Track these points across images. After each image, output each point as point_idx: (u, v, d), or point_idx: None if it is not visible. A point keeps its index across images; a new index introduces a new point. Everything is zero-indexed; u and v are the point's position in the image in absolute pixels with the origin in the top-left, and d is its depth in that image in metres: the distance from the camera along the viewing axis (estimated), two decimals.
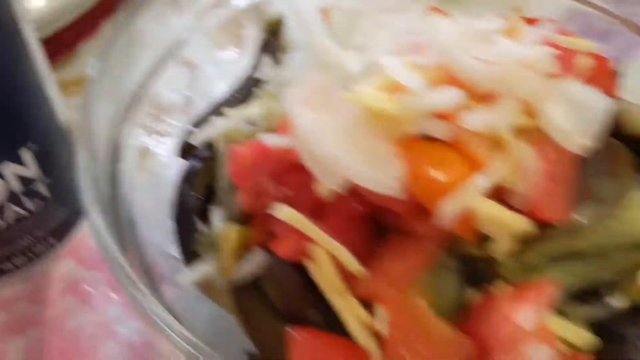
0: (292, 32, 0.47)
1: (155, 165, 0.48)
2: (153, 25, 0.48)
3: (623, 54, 0.49)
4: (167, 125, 0.51)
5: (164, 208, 0.45)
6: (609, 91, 0.42)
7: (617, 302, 0.38)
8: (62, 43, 0.63)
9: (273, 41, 0.48)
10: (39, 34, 0.57)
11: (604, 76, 0.43)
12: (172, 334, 0.30)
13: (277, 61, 0.47)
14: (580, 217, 0.37)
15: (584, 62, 0.40)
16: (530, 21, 0.39)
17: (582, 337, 0.36)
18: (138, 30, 0.46)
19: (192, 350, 0.30)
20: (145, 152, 0.48)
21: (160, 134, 0.50)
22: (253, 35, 0.54)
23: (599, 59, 0.43)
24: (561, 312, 0.37)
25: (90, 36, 0.65)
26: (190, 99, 0.53)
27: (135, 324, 0.45)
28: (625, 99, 0.45)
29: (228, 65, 0.55)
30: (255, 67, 0.47)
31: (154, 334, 0.32)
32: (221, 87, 0.52)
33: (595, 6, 0.50)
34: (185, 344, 0.30)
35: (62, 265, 0.48)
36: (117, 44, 0.42)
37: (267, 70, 0.47)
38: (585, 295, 0.39)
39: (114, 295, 0.46)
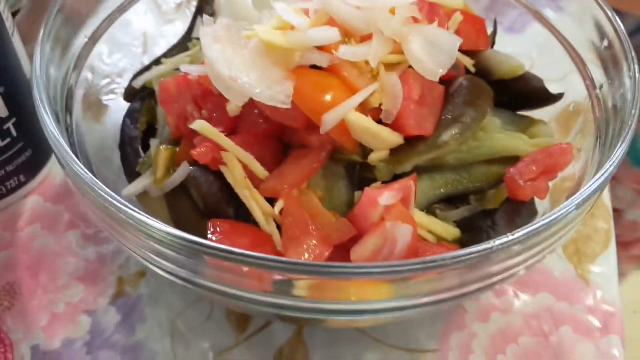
0: None
1: (111, 117, 0.56)
2: None
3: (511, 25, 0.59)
4: (122, 87, 0.59)
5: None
6: (478, 40, 0.52)
7: (478, 204, 0.48)
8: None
9: (206, 7, 0.57)
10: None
11: (474, 28, 0.52)
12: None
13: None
14: (446, 135, 0.46)
15: (454, 17, 0.50)
16: None
17: (449, 231, 0.45)
18: None
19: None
20: (98, 106, 0.56)
21: (115, 93, 0.58)
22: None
23: (471, 16, 0.53)
24: (433, 214, 0.47)
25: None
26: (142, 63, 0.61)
27: (91, 247, 0.53)
28: (493, 49, 0.54)
29: (175, 38, 0.63)
30: (192, 27, 0.56)
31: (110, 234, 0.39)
32: None
33: None
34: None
35: (30, 200, 0.56)
36: (62, 10, 0.48)
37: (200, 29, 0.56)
38: (455, 200, 0.48)
39: (75, 224, 0.55)
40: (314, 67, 0.42)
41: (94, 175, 0.46)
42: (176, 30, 0.63)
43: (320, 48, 0.42)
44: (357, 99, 0.41)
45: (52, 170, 0.58)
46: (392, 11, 0.43)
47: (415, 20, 0.44)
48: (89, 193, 0.36)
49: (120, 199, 0.35)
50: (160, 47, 0.62)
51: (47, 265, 0.52)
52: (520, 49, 0.56)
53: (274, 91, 0.40)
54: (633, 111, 0.41)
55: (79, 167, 0.37)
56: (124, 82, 0.58)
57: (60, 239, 0.54)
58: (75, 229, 0.54)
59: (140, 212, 0.35)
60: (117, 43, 0.58)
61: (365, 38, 0.44)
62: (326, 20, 0.43)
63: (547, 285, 0.51)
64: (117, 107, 0.56)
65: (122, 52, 0.59)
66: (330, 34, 0.41)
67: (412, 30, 0.43)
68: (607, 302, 0.51)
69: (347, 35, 0.43)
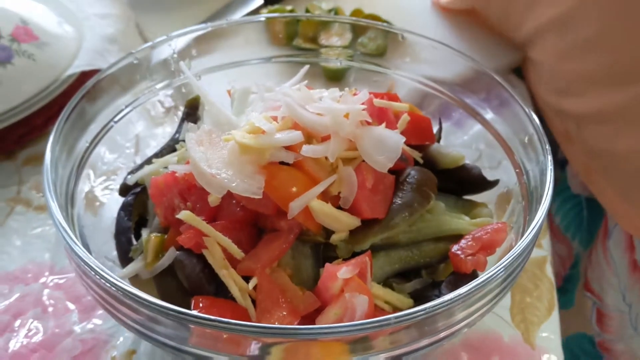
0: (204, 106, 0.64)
1: (109, 211, 0.63)
2: (100, 103, 0.63)
3: (459, 123, 0.69)
4: (117, 184, 0.66)
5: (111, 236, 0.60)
6: (424, 136, 0.61)
7: (430, 277, 0.54)
8: (34, 126, 0.79)
9: (192, 113, 0.65)
10: (13, 119, 0.74)
11: (421, 126, 0.61)
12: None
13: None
14: (397, 218, 0.53)
15: (403, 118, 0.59)
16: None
17: (403, 301, 0.52)
18: (88, 106, 0.61)
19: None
20: (95, 201, 0.63)
21: (110, 190, 0.66)
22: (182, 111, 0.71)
23: (418, 115, 0.61)
24: (390, 287, 0.53)
25: (57, 120, 0.82)
26: (135, 163, 0.69)
27: (87, 326, 0.59)
28: (439, 144, 0.63)
29: (164, 140, 0.71)
30: (179, 131, 0.65)
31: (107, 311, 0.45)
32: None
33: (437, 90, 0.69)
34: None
35: (31, 288, 0.62)
36: (71, 115, 0.57)
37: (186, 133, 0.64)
38: (409, 274, 0.55)
39: (71, 306, 0.60)
40: (282, 163, 0.50)
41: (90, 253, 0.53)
42: (165, 132, 0.72)
43: (287, 148, 0.50)
44: (319, 188, 0.49)
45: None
46: (347, 116, 0.52)
47: (367, 123, 0.53)
48: (92, 275, 0.43)
49: (119, 279, 0.42)
50: (151, 148, 0.70)
51: (47, 345, 0.57)
52: (467, 142, 0.66)
53: (248, 184, 0.48)
54: (544, 196, 0.49)
55: (83, 252, 0.44)
56: (118, 180, 0.65)
57: (59, 321, 0.59)
58: (71, 313, 0.60)
59: (135, 288, 0.41)
60: (113, 145, 0.66)
61: (326, 138, 0.52)
62: (292, 125, 0.51)
63: (498, 350, 0.57)
64: (113, 201, 0.63)
65: (118, 152, 0.67)
66: (295, 136, 0.50)
67: (363, 131, 0.52)
68: None
69: (310, 136, 0.52)
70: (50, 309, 0.60)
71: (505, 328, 0.59)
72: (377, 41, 0.74)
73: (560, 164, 0.83)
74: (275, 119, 0.52)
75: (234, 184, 0.47)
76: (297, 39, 0.78)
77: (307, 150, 0.49)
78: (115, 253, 0.58)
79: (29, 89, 0.75)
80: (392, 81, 0.73)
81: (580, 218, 0.80)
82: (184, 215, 0.49)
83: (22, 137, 0.78)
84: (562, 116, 0.74)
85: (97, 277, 0.43)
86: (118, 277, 0.52)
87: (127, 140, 0.69)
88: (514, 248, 0.45)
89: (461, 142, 0.67)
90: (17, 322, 0.59)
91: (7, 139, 0.77)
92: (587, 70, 0.69)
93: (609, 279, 0.74)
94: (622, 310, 0.72)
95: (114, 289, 0.42)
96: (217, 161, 0.49)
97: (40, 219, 0.70)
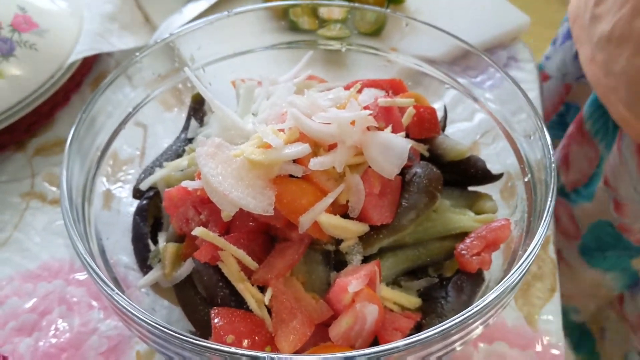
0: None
1: (120, 205, 0.65)
2: (112, 96, 0.64)
3: (458, 103, 0.69)
4: (127, 174, 0.68)
5: (126, 235, 0.62)
6: (430, 128, 0.61)
7: (437, 274, 0.57)
8: (41, 114, 0.79)
9: (198, 108, 0.66)
10: (23, 111, 0.75)
11: (426, 118, 0.61)
12: (140, 320, 0.45)
13: (201, 123, 0.66)
14: (404, 220, 0.55)
15: (408, 112, 0.59)
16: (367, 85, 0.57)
17: (411, 301, 0.54)
18: (101, 104, 0.62)
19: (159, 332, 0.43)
20: (110, 196, 0.64)
21: (122, 181, 0.67)
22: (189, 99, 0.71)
23: (423, 107, 0.62)
24: (399, 285, 0.56)
25: (64, 106, 0.82)
26: (144, 152, 0.70)
27: (111, 322, 0.62)
28: (445, 134, 0.64)
29: (173, 122, 0.72)
30: (186, 128, 0.65)
31: (125, 326, 0.48)
32: (167, 141, 0.69)
33: (434, 71, 0.69)
34: (151, 328, 0.44)
35: (54, 285, 0.65)
36: (85, 115, 0.58)
37: (194, 130, 0.65)
38: (416, 272, 0.57)
39: (94, 303, 0.63)
40: (291, 175, 0.51)
41: (109, 263, 0.55)
42: (173, 116, 0.72)
43: (295, 160, 0.51)
44: (327, 201, 0.50)
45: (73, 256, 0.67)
46: (353, 123, 0.52)
47: (374, 128, 0.53)
48: (110, 299, 0.45)
49: (135, 306, 0.44)
50: (159, 137, 0.71)
51: (75, 343, 0.60)
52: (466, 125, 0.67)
53: (258, 201, 0.49)
54: (550, 194, 0.50)
55: (103, 282, 0.46)
56: (130, 170, 0.67)
57: (84, 318, 0.62)
58: (94, 310, 0.63)
59: (149, 316, 0.43)
60: (124, 137, 0.66)
61: (332, 146, 0.53)
62: (299, 135, 0.52)
63: (502, 334, 0.60)
64: (124, 195, 0.65)
65: (127, 143, 0.68)
66: (302, 149, 0.50)
67: (369, 137, 0.52)
68: (553, 347, 0.59)
69: (317, 145, 0.52)
70: (75, 307, 0.63)
71: (509, 311, 0.62)
72: (375, 13, 0.74)
73: None
74: (281, 130, 0.52)
75: (245, 202, 0.48)
76: (294, 10, 0.77)
77: (316, 163, 0.50)
78: (131, 253, 0.60)
79: (35, 80, 0.76)
80: (389, 61, 0.73)
81: (606, 125, 0.91)
82: (199, 232, 0.50)
83: (30, 126, 0.79)
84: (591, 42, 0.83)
85: (116, 304, 0.45)
86: (138, 285, 0.55)
87: (136, 129, 0.70)
88: (524, 258, 0.47)
89: (462, 123, 0.68)
90: (44, 321, 0.62)
91: (16, 130, 0.78)
92: None
93: (622, 175, 0.87)
94: (634, 199, 0.87)
95: (132, 316, 0.44)
96: (227, 177, 0.50)
97: (57, 212, 0.72)
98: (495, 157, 0.62)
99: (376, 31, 0.74)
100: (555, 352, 0.59)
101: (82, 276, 0.66)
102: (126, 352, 0.60)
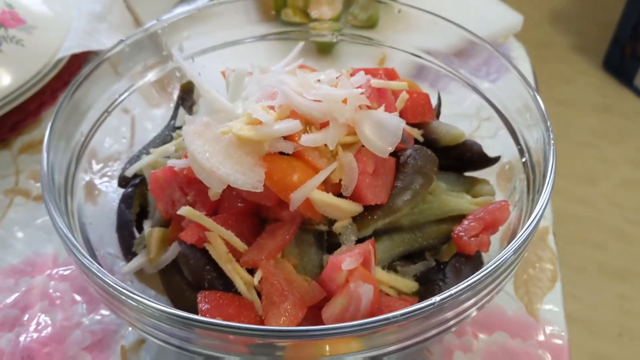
0: (198, 89, 0.62)
1: (106, 199, 0.63)
2: (96, 90, 0.62)
3: (453, 93, 0.68)
4: (113, 170, 0.66)
5: (112, 229, 0.59)
6: (424, 113, 0.60)
7: (434, 258, 0.54)
8: (28, 112, 0.78)
9: (186, 98, 0.65)
10: (7, 107, 0.73)
11: (420, 103, 0.60)
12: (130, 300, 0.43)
13: (190, 112, 0.64)
14: (399, 201, 0.53)
15: (401, 97, 0.58)
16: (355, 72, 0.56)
17: (408, 285, 0.52)
18: (83, 94, 0.60)
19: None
20: (95, 190, 0.62)
21: (109, 177, 0.65)
22: (177, 94, 0.70)
23: (417, 93, 0.60)
24: (395, 270, 0.53)
25: (50, 105, 0.80)
26: (132, 147, 0.68)
27: (95, 317, 0.59)
28: (439, 120, 0.62)
29: (161, 119, 0.71)
30: (174, 117, 0.64)
31: (113, 311, 0.45)
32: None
33: (432, 62, 0.68)
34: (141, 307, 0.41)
35: (37, 280, 0.63)
36: (65, 110, 0.56)
37: (182, 119, 0.63)
38: (413, 256, 0.55)
39: (78, 298, 0.61)
40: (281, 153, 0.50)
41: (95, 254, 0.53)
42: (161, 113, 0.71)
43: (285, 137, 0.49)
44: (320, 178, 0.49)
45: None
46: (345, 101, 0.51)
47: (366, 107, 0.52)
48: (96, 281, 0.43)
49: (123, 285, 0.42)
50: (147, 131, 0.69)
51: (57, 338, 0.58)
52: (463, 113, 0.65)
53: (248, 177, 0.47)
54: (549, 170, 0.49)
55: (87, 260, 0.43)
56: (115, 166, 0.65)
57: (67, 313, 0.60)
58: (78, 304, 0.60)
59: (139, 294, 0.41)
60: (109, 130, 0.64)
61: (324, 124, 0.51)
62: (289, 112, 0.50)
63: (502, 324, 0.58)
64: (111, 189, 0.63)
65: (114, 138, 0.66)
66: (293, 126, 0.49)
67: (362, 115, 0.51)
68: (556, 337, 0.57)
69: (308, 123, 0.51)
70: (57, 302, 0.60)
71: (509, 302, 0.60)
72: (368, 11, 0.73)
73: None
74: (272, 107, 0.51)
75: (233, 178, 0.46)
76: (285, 10, 0.76)
77: (307, 139, 0.48)
78: (117, 245, 0.58)
79: (21, 76, 0.74)
80: (383, 54, 0.71)
81: None
82: (184, 211, 0.48)
83: (16, 124, 0.78)
84: None
85: (103, 284, 0.42)
86: (122, 272, 0.53)
87: (123, 124, 0.68)
88: (522, 231, 0.45)
89: (457, 112, 0.66)
90: (26, 316, 0.59)
91: (2, 127, 0.76)
92: None
93: None
94: None
95: (120, 296, 0.41)
96: (216, 154, 0.48)
97: (41, 208, 0.70)
98: (491, 141, 0.61)
99: (369, 28, 0.73)
100: (558, 342, 0.57)
101: (66, 271, 0.63)
102: (111, 346, 0.57)
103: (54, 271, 0.63)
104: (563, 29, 2.65)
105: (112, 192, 0.63)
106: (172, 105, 0.69)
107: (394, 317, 0.39)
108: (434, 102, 0.63)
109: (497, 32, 0.90)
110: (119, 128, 0.67)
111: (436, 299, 0.40)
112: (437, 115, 0.64)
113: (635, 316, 1.66)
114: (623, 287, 1.73)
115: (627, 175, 2.05)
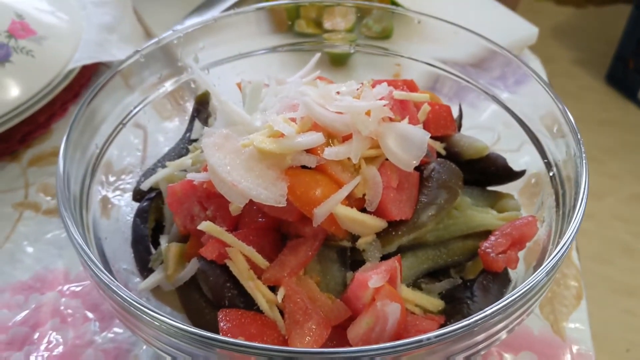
0: (214, 102, 0.61)
1: (119, 213, 0.61)
2: (110, 102, 0.61)
3: (472, 104, 0.66)
4: (126, 183, 0.64)
5: (127, 243, 0.58)
6: (446, 126, 0.59)
7: (459, 276, 0.53)
8: (38, 124, 0.76)
9: (202, 110, 0.63)
10: (17, 118, 0.72)
11: (442, 115, 0.59)
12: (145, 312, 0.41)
13: (205, 125, 0.63)
14: (424, 217, 0.51)
15: (423, 108, 0.57)
16: (377, 83, 0.54)
17: (434, 304, 0.50)
18: (97, 106, 0.59)
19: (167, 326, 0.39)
20: (109, 204, 0.61)
21: (121, 190, 0.63)
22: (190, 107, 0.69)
23: (438, 105, 0.59)
24: (419, 287, 0.52)
25: (61, 117, 0.79)
26: (145, 161, 0.66)
27: (108, 335, 0.57)
28: (461, 132, 0.61)
29: (174, 132, 0.69)
30: (190, 129, 0.62)
31: (128, 328, 0.43)
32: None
33: (450, 72, 0.67)
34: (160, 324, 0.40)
35: (47, 297, 0.61)
36: (80, 121, 0.54)
37: (198, 131, 0.62)
38: (438, 273, 0.53)
39: (90, 315, 0.59)
40: (304, 166, 0.48)
41: (111, 269, 0.52)
42: (174, 126, 0.69)
43: (308, 150, 0.48)
44: (343, 193, 0.47)
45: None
46: (368, 113, 0.49)
47: (389, 119, 0.50)
48: (113, 296, 0.41)
49: (142, 302, 0.40)
50: (159, 145, 0.68)
51: (68, 357, 0.56)
52: (484, 124, 0.64)
53: (270, 192, 0.46)
54: (582, 187, 0.47)
55: (105, 275, 0.42)
56: (129, 179, 0.63)
57: (79, 331, 0.58)
58: (90, 322, 0.58)
59: (158, 311, 0.39)
60: (122, 143, 0.63)
61: (347, 137, 0.50)
62: (311, 125, 0.49)
63: (529, 344, 0.56)
64: (125, 202, 0.61)
65: (127, 150, 0.64)
66: (316, 138, 0.47)
67: (386, 128, 0.50)
68: (583, 356, 0.55)
69: (331, 136, 0.49)
70: (69, 319, 0.59)
71: (535, 321, 0.58)
72: (382, 22, 0.72)
73: None
74: (293, 119, 0.49)
75: (256, 193, 0.45)
76: (299, 22, 0.75)
77: (330, 153, 0.47)
78: (132, 260, 0.56)
79: (31, 87, 0.73)
80: (399, 65, 0.70)
81: None
82: (205, 226, 0.47)
83: (26, 136, 0.76)
84: None
85: (121, 300, 0.41)
86: (139, 289, 0.51)
87: (136, 137, 0.67)
88: (556, 252, 0.43)
89: (476, 124, 0.65)
90: (36, 334, 0.58)
91: (11, 139, 0.75)
92: None
93: None
94: None
95: (139, 313, 0.40)
96: (237, 167, 0.46)
97: (51, 222, 0.68)
98: (512, 154, 0.59)
99: (384, 38, 0.72)
100: None
101: (77, 287, 0.61)
102: None
103: (65, 287, 0.62)
104: (566, 43, 2.65)
105: (124, 206, 0.62)
106: (185, 117, 0.68)
107: (426, 339, 0.38)
108: (454, 113, 0.61)
109: (511, 44, 0.89)
110: (132, 140, 0.66)
111: (468, 321, 0.38)
112: (459, 128, 0.63)
113: None
114: (630, 303, 1.72)
115: (632, 190, 2.04)
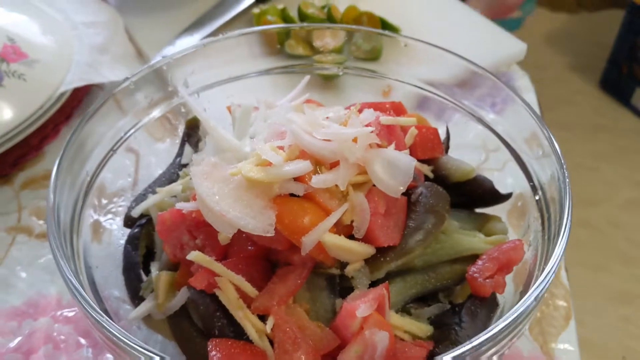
0: (204, 127, 0.62)
1: (111, 237, 0.62)
2: (102, 128, 0.62)
3: (459, 124, 0.67)
4: (117, 207, 0.64)
5: (117, 269, 0.58)
6: (433, 148, 0.59)
7: (447, 300, 0.53)
8: (30, 146, 0.77)
9: (192, 134, 0.64)
10: (10, 143, 0.72)
11: (429, 138, 0.59)
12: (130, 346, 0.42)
13: (196, 149, 0.63)
14: (412, 242, 0.52)
15: (410, 132, 0.57)
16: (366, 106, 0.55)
17: (423, 329, 0.51)
18: (89, 132, 0.59)
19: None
20: (100, 228, 0.61)
21: (113, 213, 0.64)
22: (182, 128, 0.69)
23: (425, 128, 0.60)
24: (408, 312, 0.52)
25: (53, 139, 0.80)
26: (137, 184, 0.67)
27: None
28: (448, 155, 0.61)
29: (166, 153, 0.70)
30: (180, 154, 0.63)
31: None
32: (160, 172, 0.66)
33: (436, 94, 0.67)
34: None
35: (40, 323, 0.61)
36: (72, 145, 0.55)
37: (188, 156, 0.62)
38: (426, 298, 0.54)
39: (83, 341, 0.59)
40: (292, 194, 0.49)
41: (101, 297, 0.52)
42: (165, 147, 0.70)
43: (296, 178, 0.48)
44: (331, 220, 0.47)
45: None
46: (355, 140, 0.50)
47: (376, 145, 0.51)
48: (102, 330, 0.42)
49: (129, 336, 0.41)
50: (152, 166, 0.68)
51: None
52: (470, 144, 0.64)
53: (258, 221, 0.46)
54: (566, 212, 0.48)
55: (94, 309, 0.42)
56: (120, 202, 0.64)
57: (72, 358, 0.58)
58: (83, 348, 0.59)
59: (144, 345, 0.40)
60: (114, 166, 0.63)
61: (334, 164, 0.50)
62: (299, 153, 0.49)
63: None
64: (116, 226, 0.62)
65: (118, 174, 0.65)
66: (303, 167, 0.48)
67: (373, 154, 0.50)
68: None
69: (319, 163, 0.50)
70: (62, 345, 0.59)
71: (524, 342, 0.58)
72: (371, 42, 0.72)
73: None
74: (281, 147, 0.50)
75: (244, 222, 0.45)
76: (289, 42, 0.76)
77: (318, 181, 0.47)
78: (123, 286, 0.57)
79: (23, 111, 0.73)
80: (389, 86, 0.71)
81: None
82: (194, 256, 0.47)
83: (18, 159, 0.77)
84: None
85: (110, 334, 0.41)
86: (129, 318, 0.52)
87: (127, 159, 0.67)
88: (543, 277, 0.44)
89: (463, 144, 0.65)
90: None
91: (4, 163, 0.75)
92: None
93: None
94: None
95: (126, 347, 0.40)
96: (225, 197, 0.47)
97: (44, 247, 0.68)
98: (502, 177, 0.60)
99: (373, 59, 0.73)
100: None
101: (70, 313, 0.62)
102: None
103: (58, 313, 0.62)
104: (559, 49, 2.66)
105: (116, 230, 0.62)
106: (177, 139, 0.69)
107: None
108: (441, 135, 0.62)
109: (500, 60, 0.90)
110: (123, 163, 0.66)
111: (458, 351, 0.39)
112: (446, 150, 0.63)
113: (639, 339, 1.64)
114: (626, 310, 1.72)
115: (628, 196, 2.05)
